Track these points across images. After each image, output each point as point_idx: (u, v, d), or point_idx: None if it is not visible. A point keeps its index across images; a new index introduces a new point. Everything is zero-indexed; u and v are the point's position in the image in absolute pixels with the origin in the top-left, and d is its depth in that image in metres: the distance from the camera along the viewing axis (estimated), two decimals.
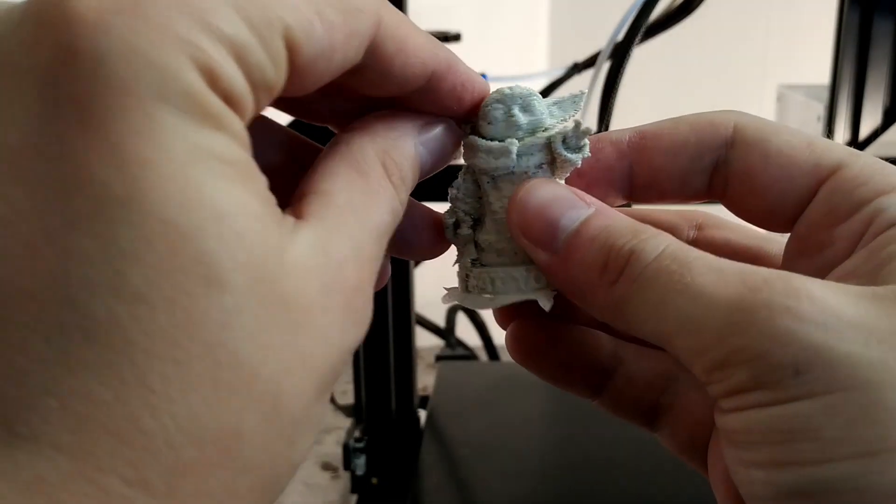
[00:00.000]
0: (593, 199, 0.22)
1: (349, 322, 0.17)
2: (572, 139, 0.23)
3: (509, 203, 0.23)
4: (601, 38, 0.64)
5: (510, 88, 0.23)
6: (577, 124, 0.23)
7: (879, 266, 0.19)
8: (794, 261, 0.23)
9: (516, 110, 0.23)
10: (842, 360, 0.17)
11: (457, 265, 0.25)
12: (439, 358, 0.81)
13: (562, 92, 0.78)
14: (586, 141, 0.23)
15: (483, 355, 0.82)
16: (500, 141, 0.23)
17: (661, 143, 0.23)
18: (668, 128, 0.24)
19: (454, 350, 0.81)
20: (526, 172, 0.23)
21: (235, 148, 0.16)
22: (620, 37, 0.62)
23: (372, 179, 0.20)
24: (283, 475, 0.16)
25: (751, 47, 1.40)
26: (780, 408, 0.18)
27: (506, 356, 0.83)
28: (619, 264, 0.21)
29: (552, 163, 0.24)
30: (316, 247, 0.17)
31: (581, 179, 0.24)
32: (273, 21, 0.16)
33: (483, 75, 0.72)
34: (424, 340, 0.81)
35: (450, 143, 0.23)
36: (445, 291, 0.26)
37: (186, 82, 0.15)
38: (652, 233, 0.21)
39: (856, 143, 0.69)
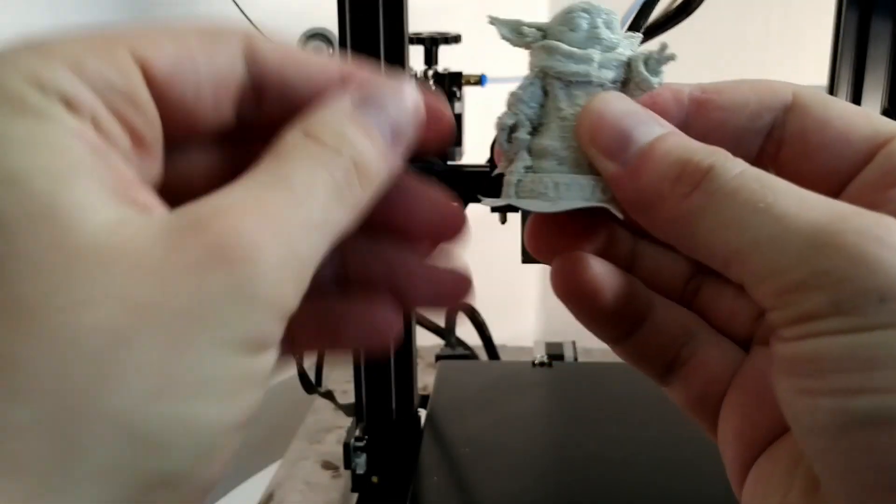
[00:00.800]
0: (668, 123, 0.22)
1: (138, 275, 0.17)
2: (654, 62, 0.23)
3: (582, 110, 0.23)
4: None
5: (595, 1, 0.23)
6: (664, 47, 0.23)
7: None
8: None
9: (601, 23, 0.23)
10: None
11: (503, 172, 0.25)
12: (439, 357, 0.81)
13: None
14: (665, 67, 0.23)
15: (483, 355, 0.82)
16: (580, 48, 0.23)
17: (721, 99, 0.23)
18: (729, 86, 0.24)
19: (454, 350, 0.81)
20: (602, 85, 0.23)
21: (59, 135, 0.18)
22: None
23: (283, 147, 0.20)
24: (90, 418, 0.16)
25: (749, 48, 1.40)
26: (861, 335, 0.17)
27: (506, 356, 0.84)
28: (695, 177, 0.20)
29: (626, 83, 0.24)
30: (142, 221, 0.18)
31: None
32: (115, 40, 0.20)
33: (482, 76, 0.73)
34: (424, 340, 0.81)
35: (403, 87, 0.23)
36: (481, 199, 0.26)
37: (10, 89, 0.17)
38: (730, 155, 0.21)
39: None
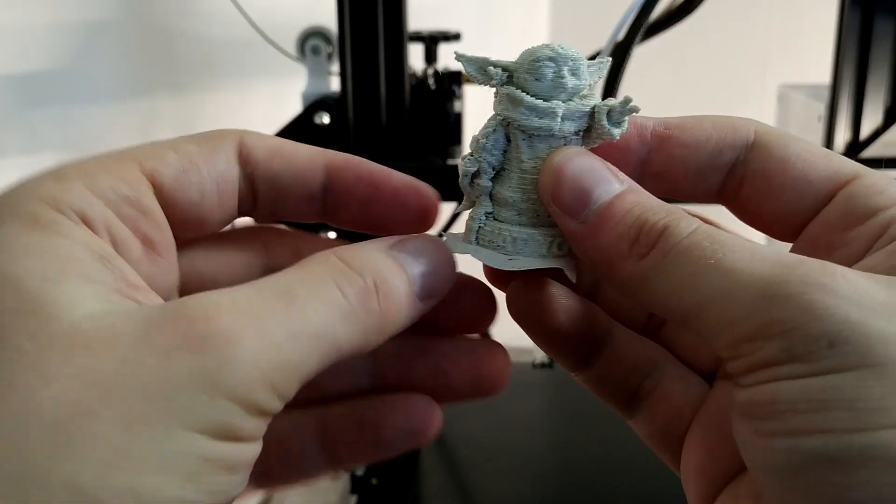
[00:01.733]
0: (627, 178, 0.23)
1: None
2: (617, 114, 0.23)
3: (544, 166, 0.23)
4: (601, 37, 0.64)
5: (561, 47, 0.23)
6: (627, 100, 0.23)
7: None
8: None
9: (566, 71, 0.23)
10: (877, 336, 0.18)
11: (466, 213, 0.25)
12: None
13: None
14: (627, 118, 0.23)
15: None
16: (544, 100, 0.23)
17: (683, 135, 0.24)
18: (691, 122, 0.24)
19: None
20: (565, 137, 0.23)
21: (63, 244, 0.20)
22: (621, 36, 0.62)
23: (306, 260, 0.21)
24: (43, 483, 0.16)
25: (751, 47, 1.40)
26: (814, 379, 0.18)
27: None
28: (651, 238, 0.21)
29: (588, 130, 0.24)
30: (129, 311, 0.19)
31: (598, 151, 0.24)
32: (125, 157, 0.22)
33: None
34: None
35: (435, 249, 0.23)
36: (444, 237, 0.25)
37: (27, 208, 0.20)
38: (684, 213, 0.21)
39: (857, 142, 0.69)
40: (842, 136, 0.70)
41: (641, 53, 0.63)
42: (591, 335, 0.26)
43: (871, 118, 0.69)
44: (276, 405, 0.19)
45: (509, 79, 0.24)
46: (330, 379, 0.24)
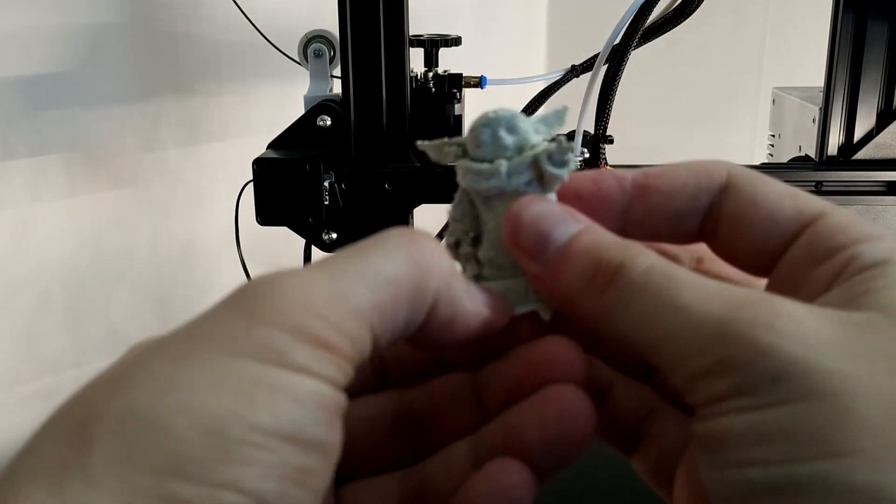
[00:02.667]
0: (583, 217, 0.24)
1: None
2: (557, 155, 0.24)
3: (504, 217, 0.24)
4: (599, 41, 0.64)
5: (494, 112, 0.24)
6: (560, 142, 0.24)
7: (854, 298, 0.21)
8: None
9: (502, 132, 0.24)
10: (818, 371, 0.19)
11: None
12: None
13: (561, 93, 0.79)
14: (570, 156, 0.24)
15: None
16: (489, 162, 0.24)
17: (661, 183, 0.25)
18: (668, 170, 0.25)
19: None
20: (516, 190, 0.24)
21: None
22: (618, 40, 0.63)
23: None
24: (101, 416, 0.18)
25: (746, 50, 1.41)
26: (758, 413, 0.19)
27: None
28: (607, 275, 0.22)
29: (541, 178, 0.24)
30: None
31: (580, 202, 0.25)
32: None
33: (483, 77, 0.73)
34: None
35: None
36: None
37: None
38: (640, 249, 0.22)
39: (850, 144, 0.70)
40: (835, 138, 0.70)
41: (638, 57, 0.64)
42: (593, 386, 0.26)
43: (865, 121, 0.69)
44: (334, 336, 0.19)
45: (464, 153, 0.25)
46: (443, 476, 0.24)
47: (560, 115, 0.25)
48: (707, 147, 1.44)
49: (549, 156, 0.24)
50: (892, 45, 0.67)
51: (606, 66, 0.64)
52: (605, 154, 0.65)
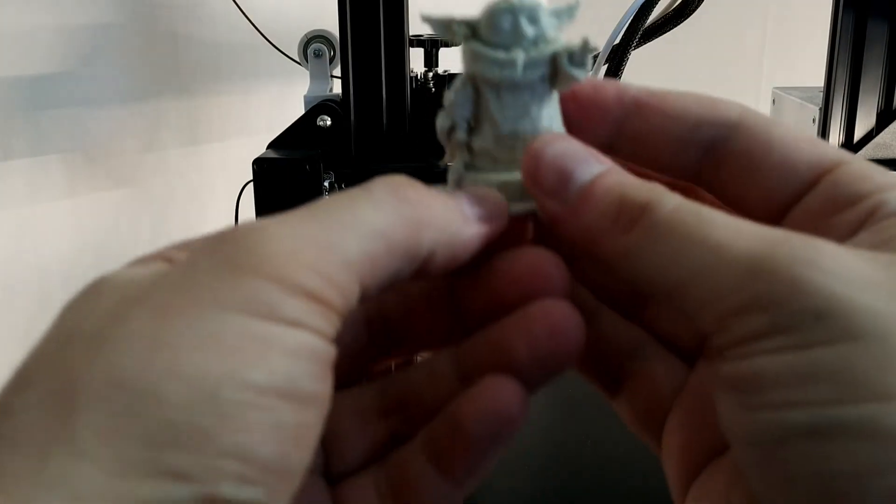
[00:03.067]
0: (608, 160, 0.23)
1: None
2: (578, 56, 0.23)
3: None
4: (598, 41, 0.64)
5: None
6: (585, 42, 0.23)
7: (886, 241, 0.20)
8: None
9: (524, 20, 0.23)
10: (862, 311, 0.18)
11: (447, 165, 0.25)
12: None
13: None
14: (589, 57, 0.23)
15: None
16: (505, 50, 0.23)
17: (663, 104, 0.24)
18: (674, 94, 0.24)
19: None
20: (530, 85, 0.23)
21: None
22: (618, 40, 0.63)
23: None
24: (85, 382, 0.17)
25: (746, 50, 1.41)
26: (799, 352, 0.18)
27: None
28: (633, 213, 0.21)
29: (554, 76, 0.24)
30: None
31: (573, 103, 0.24)
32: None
33: None
34: None
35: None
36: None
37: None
38: (666, 190, 0.21)
39: (850, 145, 0.70)
40: (835, 138, 0.70)
41: (638, 57, 0.64)
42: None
43: (865, 121, 0.69)
44: (324, 287, 0.19)
45: (473, 34, 0.24)
46: (428, 389, 0.24)
47: (572, 10, 0.24)
48: None
49: (570, 55, 0.23)
50: (892, 45, 0.67)
51: (606, 66, 0.64)
52: None
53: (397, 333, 0.25)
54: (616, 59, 0.62)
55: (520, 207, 0.24)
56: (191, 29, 0.83)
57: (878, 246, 0.20)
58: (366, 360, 0.25)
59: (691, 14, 0.69)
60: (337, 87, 0.68)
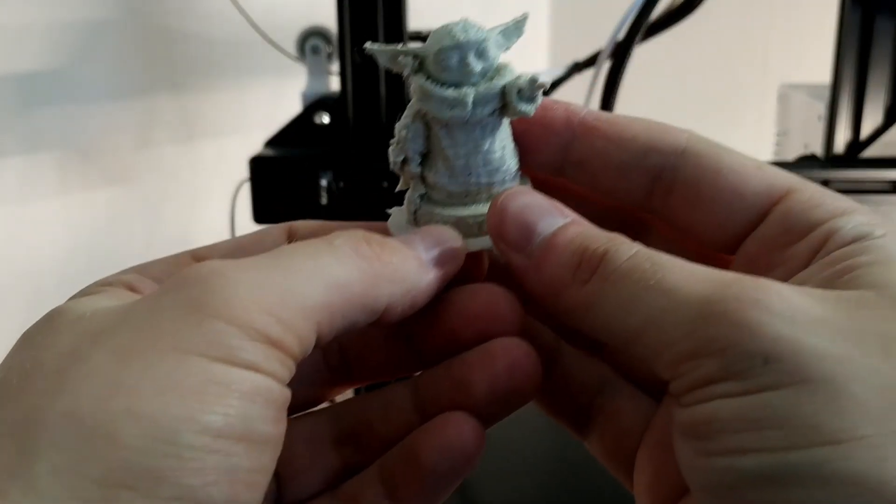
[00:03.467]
0: (570, 211, 0.23)
1: None
2: (527, 92, 0.23)
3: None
4: (602, 37, 0.64)
5: (464, 31, 0.23)
6: (533, 79, 0.23)
7: (837, 275, 0.20)
8: None
9: (472, 58, 0.23)
10: (810, 353, 0.18)
11: (402, 191, 0.26)
12: None
13: (564, 90, 0.78)
14: (539, 92, 0.23)
15: None
16: (454, 87, 0.23)
17: (609, 129, 0.24)
18: (622, 119, 0.24)
19: None
20: (480, 121, 0.24)
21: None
22: (621, 36, 0.62)
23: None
24: (45, 421, 0.17)
25: (752, 46, 1.40)
26: (749, 397, 0.18)
27: None
28: (592, 264, 0.21)
29: (504, 108, 0.24)
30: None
31: (521, 124, 0.24)
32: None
33: None
34: None
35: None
36: (390, 213, 0.26)
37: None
38: (626, 239, 0.21)
39: (857, 142, 0.69)
40: (842, 135, 0.69)
41: (642, 53, 0.63)
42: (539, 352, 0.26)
43: (872, 118, 0.69)
44: (282, 334, 0.19)
45: (420, 66, 0.24)
46: (383, 420, 0.24)
47: (520, 25, 0.24)
48: None
49: (520, 90, 0.23)
50: None
51: (610, 62, 0.63)
52: None
53: (354, 363, 0.25)
54: (620, 56, 0.62)
55: (476, 244, 0.24)
56: (185, 24, 0.82)
57: (829, 279, 0.20)
58: (322, 388, 0.26)
59: (696, 9, 0.68)
60: (335, 84, 0.67)
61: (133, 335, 0.18)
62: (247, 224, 0.65)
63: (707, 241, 0.24)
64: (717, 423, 0.18)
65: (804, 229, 0.21)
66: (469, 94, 0.23)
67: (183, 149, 0.84)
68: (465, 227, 0.24)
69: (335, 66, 0.67)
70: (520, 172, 0.25)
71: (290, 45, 0.71)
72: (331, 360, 0.25)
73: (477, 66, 0.23)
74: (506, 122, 0.24)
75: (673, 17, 0.69)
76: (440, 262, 0.23)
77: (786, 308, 0.18)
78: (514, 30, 0.24)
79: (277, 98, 0.84)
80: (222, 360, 0.18)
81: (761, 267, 0.22)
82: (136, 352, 0.18)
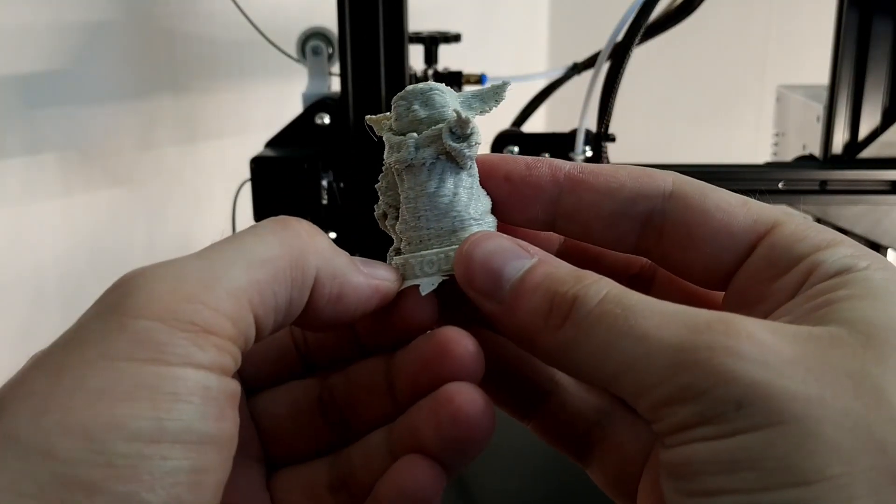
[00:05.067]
0: (536, 249, 0.23)
1: None
2: (456, 128, 0.24)
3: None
4: (601, 38, 0.64)
5: (414, 85, 0.24)
6: (458, 114, 0.24)
7: (815, 309, 0.20)
8: (734, 312, 0.23)
9: (416, 105, 0.24)
10: (780, 395, 0.18)
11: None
12: None
13: (562, 90, 0.79)
14: (473, 129, 0.24)
15: None
16: (403, 135, 0.24)
17: (595, 181, 0.24)
18: (607, 169, 0.24)
19: None
20: (423, 163, 0.24)
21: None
22: (620, 37, 0.62)
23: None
24: None
25: (750, 48, 1.40)
26: (724, 441, 0.19)
27: None
28: (563, 310, 0.21)
29: (449, 154, 0.24)
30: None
31: (508, 184, 0.25)
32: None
33: (483, 75, 0.73)
34: None
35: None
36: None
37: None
38: (594, 278, 0.22)
39: (855, 143, 0.69)
40: (840, 136, 0.70)
41: (640, 54, 0.63)
42: (531, 384, 0.26)
43: (870, 119, 0.69)
44: (212, 318, 0.19)
45: (389, 127, 0.25)
46: (363, 466, 0.24)
47: (499, 91, 0.25)
48: (710, 145, 1.44)
49: (450, 129, 0.24)
50: None
51: (609, 63, 0.63)
52: (607, 152, 0.65)
53: (348, 418, 0.25)
54: (618, 57, 0.62)
55: (408, 283, 0.24)
56: (187, 26, 0.82)
57: (807, 313, 0.20)
58: (323, 447, 0.26)
59: (694, 10, 0.68)
60: (336, 85, 0.68)
61: (63, 350, 0.18)
62: (248, 224, 0.65)
63: (699, 279, 0.24)
64: (696, 465, 0.19)
65: (789, 262, 0.22)
66: (412, 136, 0.24)
67: (184, 149, 0.84)
68: (408, 269, 0.25)
69: (336, 68, 0.68)
70: (489, 218, 0.25)
71: (291, 47, 0.71)
72: (330, 418, 0.25)
73: (421, 113, 0.24)
74: (465, 174, 0.25)
75: (671, 19, 0.70)
76: (372, 274, 0.24)
77: (757, 352, 0.19)
78: (491, 94, 0.25)
79: (278, 99, 0.84)
80: (151, 361, 0.18)
81: (750, 300, 0.23)
82: (66, 366, 0.18)
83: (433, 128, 0.24)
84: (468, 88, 0.70)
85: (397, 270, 0.25)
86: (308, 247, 0.22)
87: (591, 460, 0.26)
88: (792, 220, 0.23)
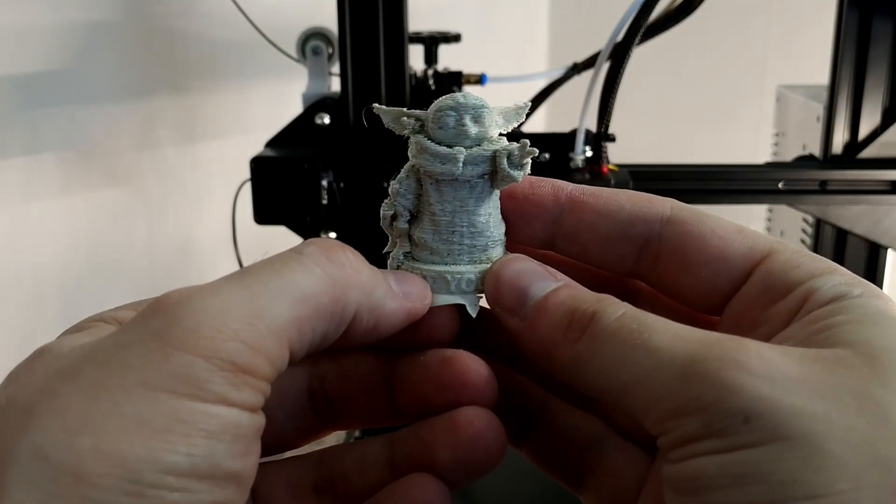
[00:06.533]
0: (563, 276, 0.24)
1: None
2: (517, 157, 0.24)
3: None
4: (601, 38, 0.64)
5: (464, 96, 0.24)
6: (524, 144, 0.24)
7: (814, 334, 0.21)
8: None
9: (468, 120, 0.24)
10: (788, 411, 0.19)
11: (388, 252, 0.26)
12: None
13: (562, 90, 0.79)
14: (528, 159, 0.24)
15: None
16: (448, 146, 0.24)
17: (596, 202, 0.25)
18: (608, 192, 0.25)
19: None
20: (469, 181, 0.25)
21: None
22: (620, 37, 0.62)
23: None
24: (15, 456, 0.18)
25: (750, 48, 1.40)
26: (731, 454, 0.19)
27: None
28: (582, 323, 0.22)
29: (494, 174, 0.25)
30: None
31: (512, 202, 0.25)
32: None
33: (483, 75, 0.73)
34: None
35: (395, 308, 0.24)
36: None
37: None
38: (614, 300, 0.22)
39: (855, 143, 0.69)
40: (840, 136, 0.70)
41: (640, 54, 0.63)
42: (524, 410, 0.26)
43: (870, 119, 0.69)
44: (252, 359, 0.19)
45: (421, 128, 0.25)
46: (357, 473, 0.25)
47: (521, 111, 0.26)
48: (710, 145, 1.44)
49: (509, 155, 0.24)
50: None
51: (608, 63, 0.63)
52: (606, 152, 0.65)
53: (338, 409, 0.26)
54: (618, 57, 0.62)
55: (446, 300, 0.25)
56: (187, 26, 0.82)
57: (808, 338, 0.21)
58: (306, 431, 0.26)
59: (694, 11, 0.68)
60: (336, 85, 0.68)
61: (101, 370, 0.18)
62: (248, 224, 0.65)
63: (694, 304, 0.25)
64: (703, 479, 0.19)
65: (784, 289, 0.22)
66: (461, 151, 0.24)
67: (184, 149, 0.84)
68: (442, 283, 0.25)
69: (336, 68, 0.68)
70: (504, 246, 0.26)
71: (291, 47, 0.71)
72: (317, 405, 0.26)
73: (472, 128, 0.24)
74: (495, 195, 0.25)
75: (671, 19, 0.70)
76: (406, 294, 0.24)
77: (765, 368, 0.19)
78: (514, 114, 0.25)
79: (278, 99, 0.84)
80: (189, 396, 0.18)
81: (745, 326, 0.23)
82: (104, 388, 0.18)
83: (485, 147, 0.24)
84: (467, 88, 0.70)
85: (425, 283, 0.25)
86: (351, 280, 0.22)
87: (586, 487, 0.26)
88: (787, 248, 0.23)
